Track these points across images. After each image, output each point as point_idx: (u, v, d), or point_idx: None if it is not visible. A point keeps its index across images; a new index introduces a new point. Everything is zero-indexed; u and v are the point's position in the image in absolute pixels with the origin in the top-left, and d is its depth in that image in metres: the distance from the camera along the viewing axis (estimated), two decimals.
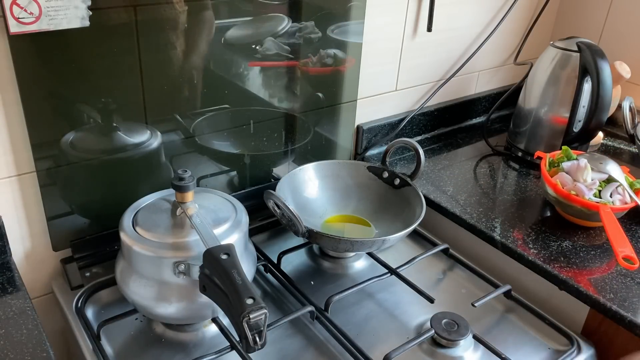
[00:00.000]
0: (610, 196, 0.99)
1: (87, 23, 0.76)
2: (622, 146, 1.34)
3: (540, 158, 1.08)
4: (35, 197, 0.85)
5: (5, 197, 0.83)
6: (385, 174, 1.04)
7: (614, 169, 1.03)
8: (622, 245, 0.88)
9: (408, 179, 1.00)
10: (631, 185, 1.02)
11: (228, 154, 1.02)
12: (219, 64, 0.94)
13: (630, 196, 0.99)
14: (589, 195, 0.97)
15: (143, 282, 0.76)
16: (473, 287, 0.94)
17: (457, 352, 0.80)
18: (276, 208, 0.88)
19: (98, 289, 0.87)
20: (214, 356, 0.75)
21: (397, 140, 1.02)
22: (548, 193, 1.02)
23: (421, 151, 0.98)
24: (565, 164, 1.04)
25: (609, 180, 1.01)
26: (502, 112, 1.45)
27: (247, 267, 0.81)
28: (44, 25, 0.73)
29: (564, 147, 1.08)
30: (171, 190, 0.81)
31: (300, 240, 0.99)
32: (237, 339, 0.75)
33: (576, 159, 1.05)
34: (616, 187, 1.00)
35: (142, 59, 0.84)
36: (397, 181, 1.02)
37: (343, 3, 1.03)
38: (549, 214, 1.05)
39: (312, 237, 0.87)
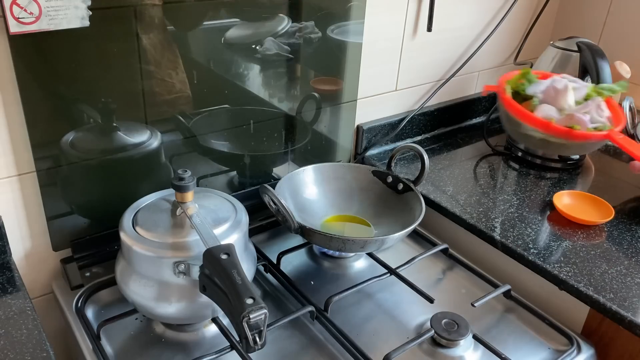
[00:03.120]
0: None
1: (87, 23, 0.76)
2: None
3: (492, 93, 0.93)
4: (35, 197, 0.85)
5: (5, 197, 0.83)
6: (390, 179, 1.04)
7: (576, 80, 0.89)
8: None
9: (412, 185, 1.00)
10: (598, 93, 0.91)
11: (228, 154, 1.02)
12: (219, 63, 0.94)
13: (612, 107, 0.89)
14: (590, 125, 0.85)
15: (143, 282, 0.76)
16: (473, 287, 0.94)
17: (457, 352, 0.80)
18: (272, 203, 0.88)
19: (98, 289, 0.87)
20: (214, 356, 0.75)
21: (404, 145, 1.02)
22: (532, 136, 0.86)
23: (426, 157, 0.98)
24: (536, 90, 0.87)
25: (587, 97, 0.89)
26: None
27: (247, 267, 0.81)
28: (44, 25, 0.73)
29: (523, 70, 0.91)
30: (171, 190, 0.81)
31: (300, 240, 0.99)
32: (237, 339, 0.75)
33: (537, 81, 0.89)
34: (595, 103, 0.87)
35: (142, 58, 0.84)
36: (400, 186, 1.02)
37: (343, 3, 1.03)
38: (548, 213, 1.05)
39: (305, 233, 0.87)
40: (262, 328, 0.61)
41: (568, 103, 0.84)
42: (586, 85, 0.85)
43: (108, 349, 0.78)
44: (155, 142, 0.91)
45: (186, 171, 0.76)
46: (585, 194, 1.09)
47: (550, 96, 0.84)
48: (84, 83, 0.81)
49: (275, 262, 0.94)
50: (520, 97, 0.86)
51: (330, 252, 0.99)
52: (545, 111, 0.85)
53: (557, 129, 0.82)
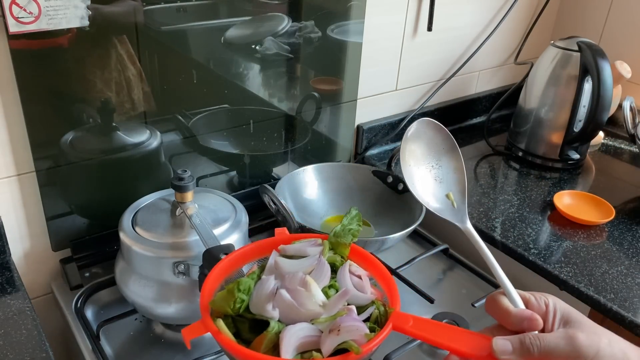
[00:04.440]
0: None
1: (86, 22, 0.76)
2: (622, 146, 1.34)
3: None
4: (34, 197, 0.85)
5: (4, 197, 0.83)
6: (390, 179, 1.03)
7: (314, 250, 0.56)
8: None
9: None
10: (337, 246, 0.59)
11: (228, 154, 1.02)
12: (219, 63, 0.94)
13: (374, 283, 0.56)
14: (362, 323, 0.49)
15: (143, 282, 0.76)
16: (473, 287, 0.94)
17: None
18: (272, 203, 0.88)
19: (97, 289, 0.87)
20: (213, 357, 0.75)
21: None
22: None
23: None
24: (261, 302, 0.49)
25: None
26: (503, 111, 1.45)
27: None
28: (43, 25, 0.73)
29: (228, 287, 0.50)
30: (171, 190, 0.81)
31: None
32: None
33: (256, 276, 0.53)
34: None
35: (142, 58, 0.84)
36: (400, 186, 1.02)
37: (343, 2, 1.03)
38: (549, 213, 1.05)
39: (304, 233, 0.86)
40: None
41: (318, 303, 0.49)
42: (318, 250, 0.55)
43: (107, 349, 0.78)
44: (154, 142, 0.91)
45: (186, 171, 0.76)
46: (585, 194, 1.09)
47: (288, 306, 0.49)
48: (84, 83, 0.80)
49: None
50: (248, 320, 0.50)
51: None
52: (297, 337, 0.47)
53: None
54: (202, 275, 0.68)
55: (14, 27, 0.71)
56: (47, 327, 0.90)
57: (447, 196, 0.61)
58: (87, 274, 0.89)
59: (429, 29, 1.20)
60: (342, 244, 0.58)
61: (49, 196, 0.85)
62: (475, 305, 0.84)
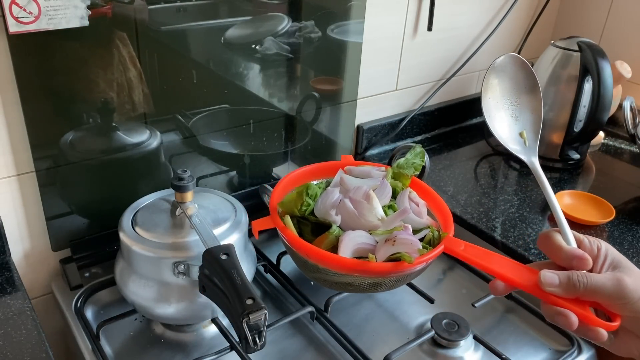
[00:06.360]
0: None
1: (86, 22, 0.76)
2: (622, 146, 1.34)
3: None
4: (34, 197, 0.85)
5: (4, 197, 0.83)
6: None
7: (378, 173, 0.64)
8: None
9: None
10: (399, 177, 0.67)
11: (228, 153, 1.02)
12: (219, 63, 0.94)
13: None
14: (417, 242, 0.57)
15: (142, 282, 0.76)
16: (473, 287, 0.94)
17: (458, 353, 0.80)
18: None
19: (97, 289, 0.87)
20: (213, 357, 0.75)
21: (404, 145, 1.01)
22: (344, 283, 0.57)
23: (426, 157, 0.97)
24: (327, 208, 0.57)
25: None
26: None
27: (247, 267, 0.81)
28: (43, 25, 0.73)
29: (297, 188, 0.60)
30: (171, 190, 0.81)
31: None
32: (237, 339, 0.75)
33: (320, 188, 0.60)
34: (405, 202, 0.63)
35: (142, 58, 0.84)
36: None
37: (343, 2, 1.03)
38: (549, 213, 1.05)
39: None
40: (261, 329, 0.61)
41: (377, 217, 0.56)
42: (382, 174, 0.61)
43: (107, 349, 0.78)
44: (154, 142, 0.91)
45: (186, 171, 0.76)
46: (586, 194, 1.08)
47: (349, 215, 0.55)
48: (84, 83, 0.80)
49: (275, 262, 0.94)
50: (311, 223, 0.57)
51: None
52: (355, 242, 0.54)
53: (380, 268, 0.53)
54: (202, 276, 0.68)
55: (13, 27, 0.71)
56: (47, 327, 0.90)
57: (521, 134, 0.63)
58: (87, 274, 0.89)
59: (429, 29, 1.20)
60: (404, 175, 0.63)
61: (49, 196, 0.85)
62: (476, 305, 0.84)
